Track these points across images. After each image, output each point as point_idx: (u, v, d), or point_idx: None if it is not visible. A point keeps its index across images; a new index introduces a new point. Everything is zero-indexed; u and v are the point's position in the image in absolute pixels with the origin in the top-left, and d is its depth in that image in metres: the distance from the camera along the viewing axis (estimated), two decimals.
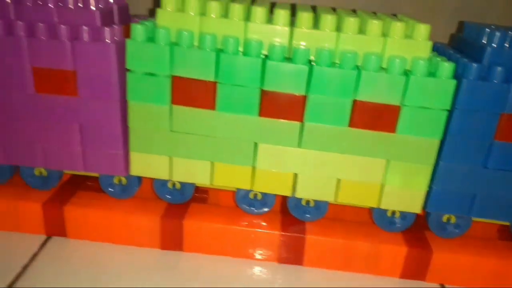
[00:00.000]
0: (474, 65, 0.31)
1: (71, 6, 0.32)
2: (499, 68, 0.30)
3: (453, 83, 0.30)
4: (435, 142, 0.32)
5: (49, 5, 0.31)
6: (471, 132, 0.32)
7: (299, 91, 0.31)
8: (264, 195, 0.36)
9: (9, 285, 0.31)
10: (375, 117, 0.31)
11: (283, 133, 0.32)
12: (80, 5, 0.32)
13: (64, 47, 0.31)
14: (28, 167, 0.36)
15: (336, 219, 0.38)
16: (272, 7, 0.33)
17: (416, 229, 0.37)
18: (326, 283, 0.35)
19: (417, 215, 0.36)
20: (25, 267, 0.33)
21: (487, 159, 0.32)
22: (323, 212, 0.37)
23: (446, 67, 0.30)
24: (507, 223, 0.36)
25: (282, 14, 0.30)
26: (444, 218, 0.36)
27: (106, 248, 0.36)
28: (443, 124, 0.31)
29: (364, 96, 0.30)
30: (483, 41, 0.33)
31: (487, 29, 0.33)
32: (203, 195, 0.40)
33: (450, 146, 0.32)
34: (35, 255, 0.34)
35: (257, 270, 0.36)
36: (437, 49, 0.37)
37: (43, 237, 0.37)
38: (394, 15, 0.37)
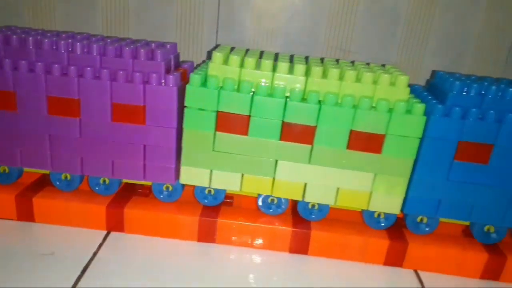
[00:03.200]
0: (439, 106, 0.42)
1: (143, 58, 0.43)
2: (457, 108, 0.41)
3: (423, 119, 0.41)
4: (410, 161, 0.43)
5: (127, 58, 0.42)
6: (437, 153, 0.43)
7: (311, 123, 0.42)
8: (279, 200, 0.47)
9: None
10: (367, 143, 0.42)
11: (297, 153, 0.43)
12: (150, 57, 0.43)
13: (138, 89, 0.42)
14: (95, 177, 0.47)
15: (334, 219, 0.49)
16: (291, 60, 0.44)
17: (397, 228, 0.48)
18: (326, 269, 0.45)
19: (397, 217, 0.47)
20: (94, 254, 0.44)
21: (449, 173, 0.43)
22: (325, 214, 0.47)
23: (419, 107, 0.41)
24: (467, 223, 0.47)
25: (300, 68, 0.41)
26: (418, 219, 0.47)
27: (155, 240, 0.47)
28: (416, 148, 0.42)
29: (358, 127, 0.42)
30: (447, 87, 0.44)
31: (451, 78, 0.44)
32: (229, 200, 0.51)
33: (421, 164, 0.43)
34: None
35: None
36: (415, 90, 0.49)
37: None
38: (383, 65, 0.48)
